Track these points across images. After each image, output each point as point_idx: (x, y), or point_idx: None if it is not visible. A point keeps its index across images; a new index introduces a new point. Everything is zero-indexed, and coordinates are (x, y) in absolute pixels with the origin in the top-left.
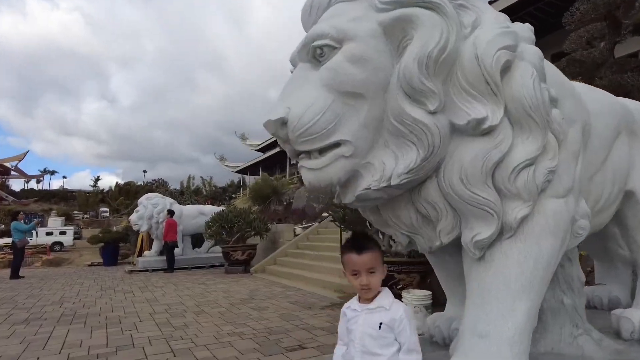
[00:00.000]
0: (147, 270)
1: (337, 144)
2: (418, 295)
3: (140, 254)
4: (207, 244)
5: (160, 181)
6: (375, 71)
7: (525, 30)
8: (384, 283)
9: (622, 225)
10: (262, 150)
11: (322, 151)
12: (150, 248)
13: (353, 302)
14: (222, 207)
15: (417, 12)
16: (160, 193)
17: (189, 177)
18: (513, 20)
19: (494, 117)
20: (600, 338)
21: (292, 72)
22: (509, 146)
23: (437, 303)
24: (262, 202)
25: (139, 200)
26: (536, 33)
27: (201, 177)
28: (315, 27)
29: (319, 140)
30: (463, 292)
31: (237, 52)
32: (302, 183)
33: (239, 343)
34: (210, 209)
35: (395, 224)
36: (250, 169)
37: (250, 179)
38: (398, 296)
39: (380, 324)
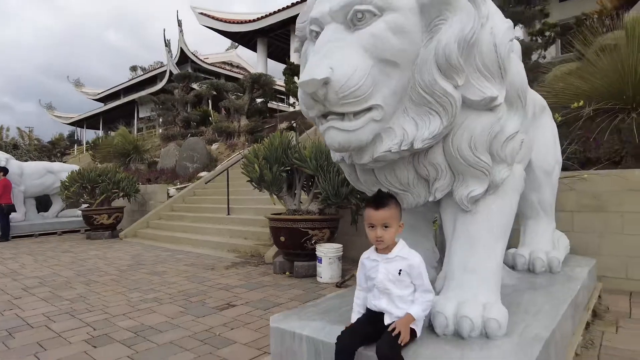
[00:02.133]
0: None
1: (369, 108)
2: (332, 249)
3: None
4: (55, 207)
5: None
6: (411, 44)
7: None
8: (299, 238)
9: None
10: (102, 100)
11: (356, 114)
12: None
13: (371, 253)
14: (77, 165)
15: None
16: None
17: (1, 128)
18: None
19: (501, 97)
20: (508, 270)
21: (312, 31)
22: (505, 120)
23: (346, 255)
24: (115, 160)
25: None
26: None
27: (18, 128)
28: None
29: (359, 104)
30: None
31: None
32: (165, 140)
33: (161, 308)
34: (61, 167)
35: (390, 183)
36: (87, 122)
37: (86, 133)
38: (312, 250)
39: (400, 270)
